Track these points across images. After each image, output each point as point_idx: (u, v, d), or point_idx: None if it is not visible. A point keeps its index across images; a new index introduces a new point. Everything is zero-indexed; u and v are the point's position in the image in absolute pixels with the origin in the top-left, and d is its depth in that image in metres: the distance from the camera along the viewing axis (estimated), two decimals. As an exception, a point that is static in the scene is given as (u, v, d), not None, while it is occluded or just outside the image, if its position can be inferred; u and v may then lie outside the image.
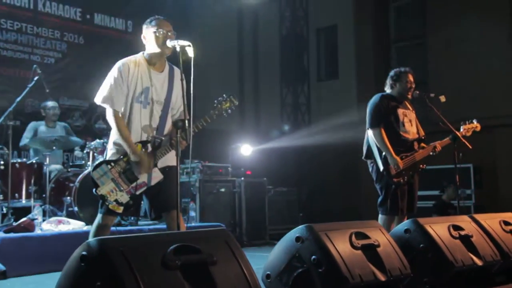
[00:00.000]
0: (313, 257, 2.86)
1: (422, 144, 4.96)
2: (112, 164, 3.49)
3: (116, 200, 3.46)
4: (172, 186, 3.45)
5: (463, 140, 4.94)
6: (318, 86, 10.65)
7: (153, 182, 3.54)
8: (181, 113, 3.70)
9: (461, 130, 5.11)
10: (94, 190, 3.48)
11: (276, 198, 8.42)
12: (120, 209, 3.48)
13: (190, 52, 3.43)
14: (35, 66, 6.04)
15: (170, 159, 3.62)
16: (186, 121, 3.38)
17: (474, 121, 5.17)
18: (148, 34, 3.60)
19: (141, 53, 3.67)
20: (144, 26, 3.66)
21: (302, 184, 9.37)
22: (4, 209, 5.78)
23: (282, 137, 9.77)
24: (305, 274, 2.89)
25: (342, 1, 10.04)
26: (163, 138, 3.60)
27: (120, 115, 3.55)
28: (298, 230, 2.97)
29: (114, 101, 3.51)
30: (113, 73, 3.55)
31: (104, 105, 3.56)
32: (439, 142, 5.00)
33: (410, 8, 10.01)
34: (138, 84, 3.54)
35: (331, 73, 10.58)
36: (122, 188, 3.47)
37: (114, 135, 3.60)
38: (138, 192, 3.50)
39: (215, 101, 3.71)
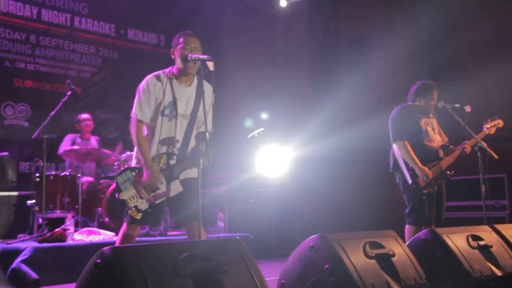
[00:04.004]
0: (326, 266, 2.88)
1: (451, 146, 4.93)
2: (136, 171, 3.60)
3: (135, 207, 3.55)
4: (192, 197, 3.54)
5: (489, 150, 4.83)
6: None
7: (172, 194, 3.62)
8: (203, 126, 3.77)
9: (484, 129, 5.02)
10: (116, 194, 3.60)
11: (305, 208, 8.42)
12: (139, 216, 3.56)
13: (211, 66, 3.53)
14: (68, 81, 6.27)
15: (190, 171, 3.70)
16: (207, 134, 3.44)
17: (496, 117, 5.06)
18: (175, 50, 3.69)
19: (170, 67, 3.76)
20: (173, 41, 3.75)
21: (331, 194, 9.31)
22: (40, 220, 6.00)
23: (313, 148, 9.75)
24: (319, 283, 2.90)
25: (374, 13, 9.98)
26: (176, 152, 3.65)
27: (144, 127, 3.67)
28: (311, 240, 3.00)
29: (142, 112, 3.62)
30: (141, 87, 3.66)
31: (134, 116, 3.66)
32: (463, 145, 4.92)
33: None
34: (165, 98, 3.62)
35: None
36: (143, 196, 3.57)
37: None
38: (157, 202, 3.59)
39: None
